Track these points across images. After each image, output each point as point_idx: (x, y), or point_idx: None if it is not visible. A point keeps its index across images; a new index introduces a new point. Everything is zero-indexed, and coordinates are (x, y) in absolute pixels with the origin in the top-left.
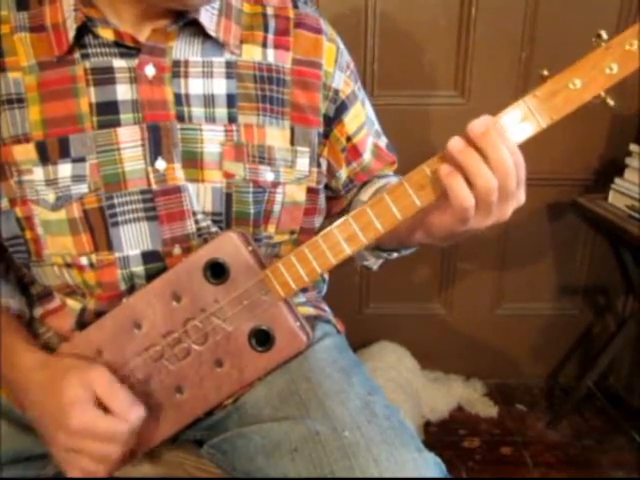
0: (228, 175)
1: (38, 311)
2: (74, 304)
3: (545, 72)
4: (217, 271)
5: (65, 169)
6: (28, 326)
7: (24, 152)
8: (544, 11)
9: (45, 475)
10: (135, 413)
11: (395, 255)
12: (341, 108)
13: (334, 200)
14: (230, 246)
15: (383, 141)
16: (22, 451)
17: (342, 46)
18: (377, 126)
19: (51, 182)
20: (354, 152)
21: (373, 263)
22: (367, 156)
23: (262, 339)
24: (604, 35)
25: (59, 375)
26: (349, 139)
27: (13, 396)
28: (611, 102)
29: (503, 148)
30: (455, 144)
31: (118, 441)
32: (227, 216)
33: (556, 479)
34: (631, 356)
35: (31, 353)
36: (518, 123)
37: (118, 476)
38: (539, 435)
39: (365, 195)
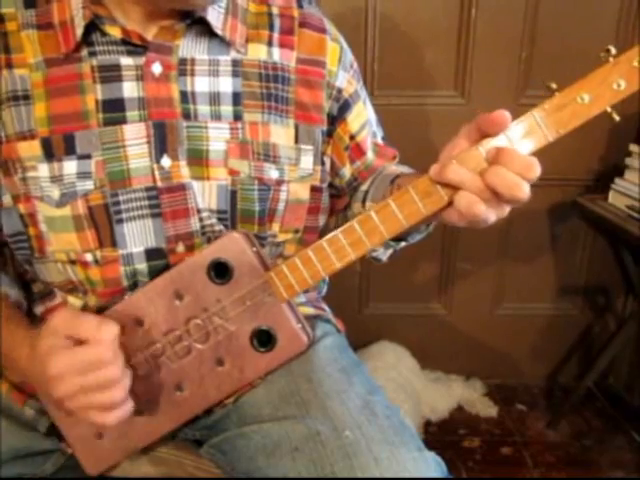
0: (233, 172)
1: (40, 309)
2: (75, 301)
3: (553, 85)
4: (221, 271)
5: (70, 166)
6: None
7: (29, 148)
8: (544, 11)
9: (43, 473)
10: (105, 330)
11: (403, 244)
12: (344, 107)
13: (337, 198)
14: (235, 246)
15: (380, 139)
16: (21, 448)
17: (345, 46)
18: (374, 127)
19: (56, 179)
20: (357, 151)
21: (382, 254)
22: (370, 155)
23: (264, 339)
24: (613, 50)
25: (35, 338)
26: (352, 137)
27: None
28: (617, 117)
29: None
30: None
31: (106, 365)
32: (232, 214)
33: (556, 479)
34: (631, 356)
35: (28, 337)
36: (526, 135)
37: (118, 476)
38: (539, 435)
39: (365, 185)
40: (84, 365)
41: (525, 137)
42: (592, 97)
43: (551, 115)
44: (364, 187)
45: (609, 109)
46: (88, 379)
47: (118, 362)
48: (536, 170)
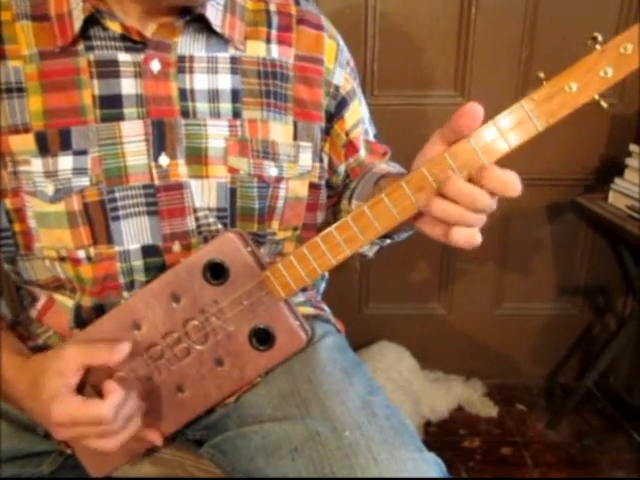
0: (233, 170)
1: (33, 313)
2: (63, 300)
3: (541, 75)
4: (217, 272)
5: (66, 161)
6: (11, 328)
7: (22, 142)
8: (544, 11)
9: (41, 473)
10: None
11: (388, 241)
12: (342, 104)
13: (329, 197)
14: (230, 247)
15: (372, 136)
16: (20, 449)
17: (342, 43)
18: (367, 125)
19: (50, 174)
20: (351, 148)
21: (368, 250)
22: (362, 152)
23: (262, 338)
24: (599, 38)
25: (37, 374)
26: (347, 134)
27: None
28: (605, 105)
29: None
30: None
31: (106, 423)
32: (232, 212)
33: (556, 479)
34: (631, 356)
35: (10, 361)
36: (515, 126)
37: (118, 476)
38: (539, 435)
39: (353, 183)
40: (83, 419)
41: (515, 127)
42: (580, 85)
43: (540, 105)
44: (352, 185)
45: (597, 97)
46: (86, 431)
47: (118, 420)
48: (518, 187)
